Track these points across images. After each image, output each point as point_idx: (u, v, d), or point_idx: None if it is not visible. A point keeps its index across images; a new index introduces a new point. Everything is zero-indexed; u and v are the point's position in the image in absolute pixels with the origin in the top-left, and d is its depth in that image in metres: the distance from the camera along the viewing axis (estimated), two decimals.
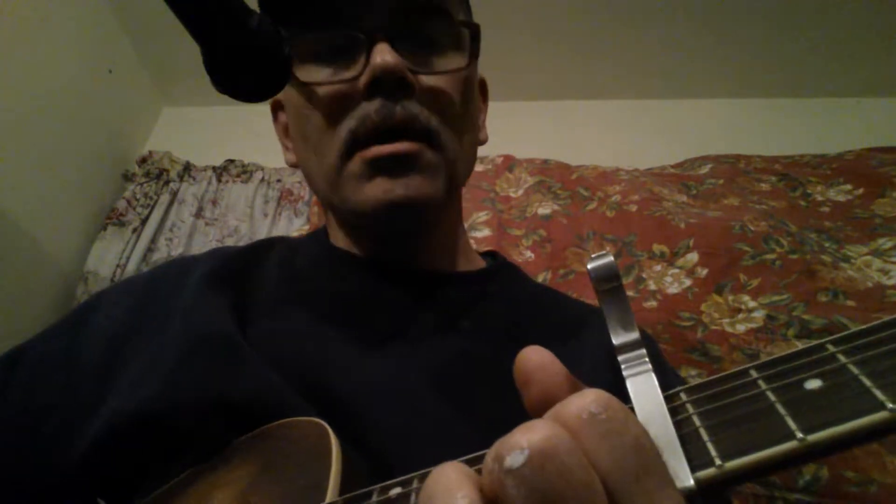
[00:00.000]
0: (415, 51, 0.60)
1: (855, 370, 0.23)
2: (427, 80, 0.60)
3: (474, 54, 0.64)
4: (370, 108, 0.57)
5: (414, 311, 0.62)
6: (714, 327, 1.23)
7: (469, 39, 0.63)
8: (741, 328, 1.21)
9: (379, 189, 0.57)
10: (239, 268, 0.65)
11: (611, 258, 0.31)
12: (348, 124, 0.58)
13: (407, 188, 0.57)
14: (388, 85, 0.57)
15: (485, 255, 0.81)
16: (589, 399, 0.25)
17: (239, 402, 0.49)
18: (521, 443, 0.23)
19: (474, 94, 0.68)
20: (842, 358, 0.24)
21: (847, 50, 1.97)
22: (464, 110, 0.64)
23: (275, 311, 0.59)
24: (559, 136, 2.14)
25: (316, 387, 0.50)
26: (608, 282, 0.31)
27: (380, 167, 0.58)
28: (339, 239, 0.71)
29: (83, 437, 0.50)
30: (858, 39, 1.94)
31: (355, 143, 0.58)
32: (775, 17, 1.92)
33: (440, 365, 0.56)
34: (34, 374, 0.56)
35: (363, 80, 0.57)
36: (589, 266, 0.31)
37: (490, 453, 0.24)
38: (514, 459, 0.23)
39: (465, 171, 0.67)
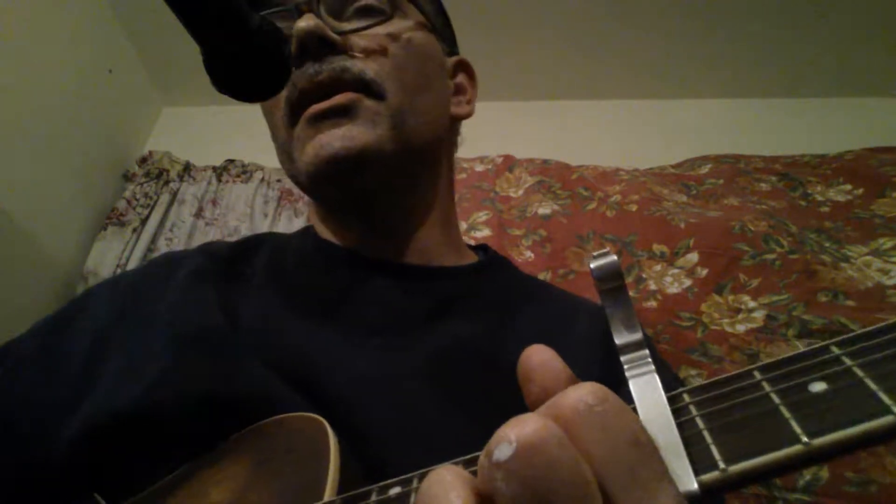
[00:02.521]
0: (345, 16, 0.62)
1: (860, 373, 0.23)
2: (360, 39, 0.61)
3: (401, 9, 0.65)
4: (300, 74, 0.59)
5: (404, 306, 0.61)
6: (714, 327, 1.23)
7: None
8: (741, 328, 1.21)
9: (318, 145, 0.58)
10: (228, 264, 0.64)
11: (614, 257, 0.30)
12: (284, 94, 0.60)
13: (343, 139, 0.57)
14: (312, 48, 0.58)
15: (477, 248, 0.80)
16: (585, 391, 0.25)
17: (233, 399, 0.48)
18: (510, 436, 0.23)
19: (424, 55, 0.68)
20: (847, 360, 0.24)
21: (847, 50, 1.97)
22: (410, 67, 0.64)
23: (264, 308, 0.59)
24: (559, 136, 2.13)
25: (307, 383, 0.50)
26: (611, 281, 0.30)
27: (318, 123, 0.58)
28: (325, 231, 0.71)
29: (63, 435, 0.49)
30: (858, 39, 1.93)
31: (293, 111, 0.60)
32: (775, 17, 1.92)
33: (431, 359, 0.55)
34: (14, 372, 0.56)
35: (291, 50, 0.58)
36: (592, 265, 0.30)
37: (484, 451, 0.24)
38: (502, 453, 0.22)
39: (421, 129, 0.65)
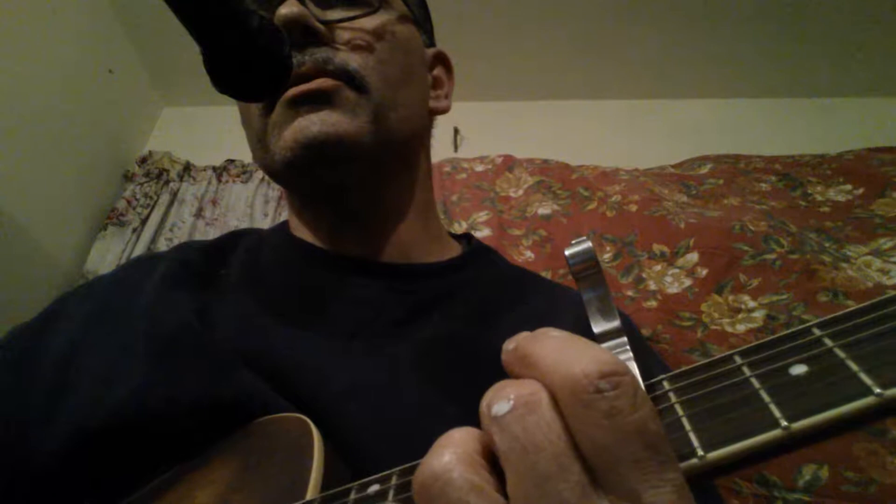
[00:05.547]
0: (329, 4, 0.60)
1: (841, 354, 0.22)
2: (343, 29, 0.59)
3: (387, 3, 0.63)
4: None
5: (384, 306, 0.60)
6: (714, 327, 1.23)
7: None
8: (741, 328, 1.21)
9: (296, 128, 0.56)
10: (203, 265, 0.63)
11: (589, 244, 0.30)
12: None
13: (323, 124, 0.55)
14: (295, 36, 0.56)
15: (461, 237, 0.78)
16: (595, 370, 0.24)
17: (220, 402, 0.48)
18: (509, 393, 0.25)
19: (407, 49, 0.66)
20: (828, 342, 0.23)
21: (847, 50, 1.96)
22: (394, 62, 0.62)
23: (241, 309, 0.58)
24: (559, 136, 2.13)
25: (288, 386, 0.50)
26: (587, 269, 0.30)
27: (296, 107, 0.56)
28: (300, 228, 0.69)
29: (42, 440, 0.49)
30: (858, 39, 1.93)
31: (271, 98, 0.57)
32: (775, 17, 1.92)
33: (413, 360, 0.54)
34: None
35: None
36: (567, 252, 0.30)
37: (483, 401, 0.26)
38: (500, 408, 0.24)
39: (401, 124, 0.63)
